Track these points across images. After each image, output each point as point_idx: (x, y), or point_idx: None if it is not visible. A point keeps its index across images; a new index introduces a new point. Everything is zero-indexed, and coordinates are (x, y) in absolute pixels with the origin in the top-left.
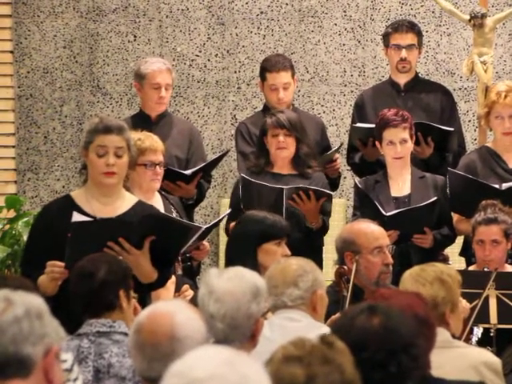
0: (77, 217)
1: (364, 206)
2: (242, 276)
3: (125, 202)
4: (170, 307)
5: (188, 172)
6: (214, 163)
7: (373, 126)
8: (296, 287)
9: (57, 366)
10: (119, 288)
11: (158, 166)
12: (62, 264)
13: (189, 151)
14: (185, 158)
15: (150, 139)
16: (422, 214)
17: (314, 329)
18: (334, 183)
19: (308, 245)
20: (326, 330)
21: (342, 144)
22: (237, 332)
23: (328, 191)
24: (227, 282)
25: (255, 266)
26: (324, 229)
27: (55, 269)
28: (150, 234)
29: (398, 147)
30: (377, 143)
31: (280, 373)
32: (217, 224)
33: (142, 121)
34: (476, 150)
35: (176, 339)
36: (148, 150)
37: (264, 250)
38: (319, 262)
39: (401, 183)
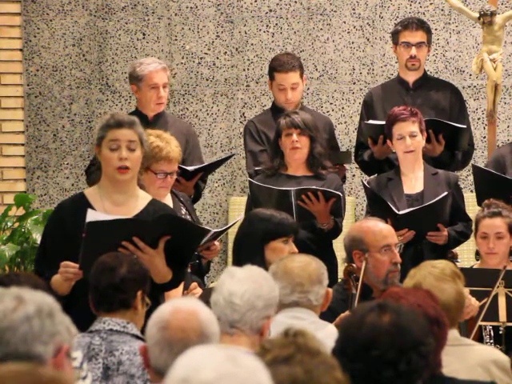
0: (91, 216)
1: (374, 205)
2: (262, 271)
3: (138, 202)
4: (192, 304)
5: (190, 168)
6: (217, 164)
7: (384, 122)
8: (321, 285)
9: (68, 365)
10: (138, 288)
11: (169, 176)
12: (77, 265)
13: (185, 151)
14: (181, 158)
15: (168, 148)
16: (433, 210)
17: (318, 327)
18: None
19: (319, 244)
20: (330, 328)
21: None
22: (250, 316)
23: (337, 192)
24: (249, 270)
25: (263, 263)
26: (336, 230)
27: (69, 269)
28: (166, 234)
29: (408, 140)
30: (388, 142)
31: (278, 374)
32: (228, 228)
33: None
34: (509, 143)
35: (204, 335)
36: (163, 159)
37: (271, 247)
38: (333, 262)
39: (413, 180)
